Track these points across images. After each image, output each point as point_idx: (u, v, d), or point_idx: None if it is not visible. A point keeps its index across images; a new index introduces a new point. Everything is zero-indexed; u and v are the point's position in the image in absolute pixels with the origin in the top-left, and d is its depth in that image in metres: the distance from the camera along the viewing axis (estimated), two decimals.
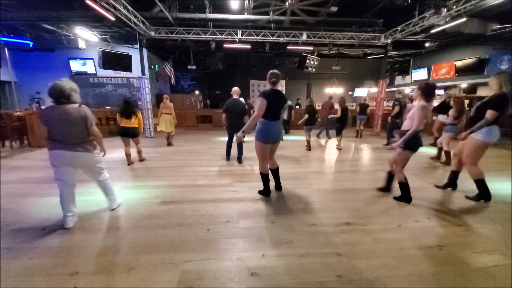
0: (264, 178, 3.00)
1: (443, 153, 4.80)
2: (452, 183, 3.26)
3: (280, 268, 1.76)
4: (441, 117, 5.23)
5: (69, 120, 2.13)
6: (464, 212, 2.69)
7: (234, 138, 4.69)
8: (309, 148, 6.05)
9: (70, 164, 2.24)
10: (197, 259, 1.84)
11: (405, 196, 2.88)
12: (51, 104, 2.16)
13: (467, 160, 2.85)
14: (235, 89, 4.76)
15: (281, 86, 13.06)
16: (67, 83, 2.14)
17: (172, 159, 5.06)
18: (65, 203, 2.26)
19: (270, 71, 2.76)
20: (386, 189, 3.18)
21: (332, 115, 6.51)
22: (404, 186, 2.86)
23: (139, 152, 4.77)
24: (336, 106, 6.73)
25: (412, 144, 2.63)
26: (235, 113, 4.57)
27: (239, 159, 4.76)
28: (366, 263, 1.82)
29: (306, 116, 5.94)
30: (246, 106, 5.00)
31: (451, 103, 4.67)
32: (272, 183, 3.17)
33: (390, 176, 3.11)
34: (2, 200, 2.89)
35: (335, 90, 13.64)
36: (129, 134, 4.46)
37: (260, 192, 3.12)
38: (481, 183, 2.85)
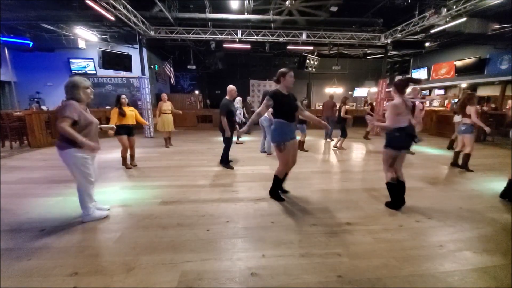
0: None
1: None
2: None
3: (280, 268, 1.75)
4: (457, 118, 4.87)
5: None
6: (465, 212, 2.69)
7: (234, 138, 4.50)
8: (301, 148, 5.79)
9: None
10: (197, 259, 1.84)
11: (394, 201, 2.69)
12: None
13: None
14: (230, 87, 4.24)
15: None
16: (69, 81, 2.21)
17: (172, 159, 5.06)
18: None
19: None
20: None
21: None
22: (392, 188, 2.65)
23: (130, 155, 4.39)
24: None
25: (392, 142, 2.55)
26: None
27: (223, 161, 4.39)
28: (367, 263, 1.81)
29: None
30: (236, 105, 4.35)
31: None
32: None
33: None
34: (2, 200, 2.88)
35: (335, 90, 13.63)
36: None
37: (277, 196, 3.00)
38: None
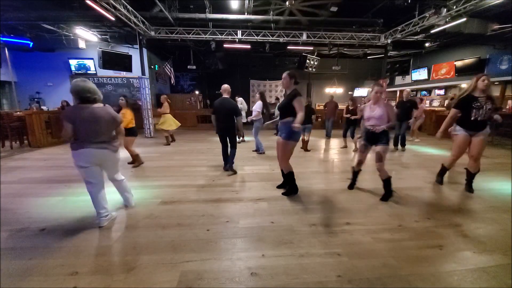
0: (292, 175, 3.10)
1: None
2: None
3: (280, 268, 1.75)
4: None
5: (96, 119, 2.18)
6: (464, 212, 2.69)
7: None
8: (305, 148, 5.78)
9: (96, 163, 2.26)
10: (197, 259, 1.84)
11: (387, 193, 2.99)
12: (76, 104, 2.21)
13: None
14: (225, 86, 4.10)
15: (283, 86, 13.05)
16: (83, 83, 2.16)
17: (172, 159, 5.06)
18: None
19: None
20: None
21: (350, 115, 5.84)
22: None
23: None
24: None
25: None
26: (222, 114, 3.90)
27: (231, 167, 4.08)
28: (366, 263, 1.82)
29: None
30: (240, 106, 4.35)
31: None
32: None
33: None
34: (2, 200, 2.88)
35: (335, 90, 13.64)
36: None
37: (286, 193, 3.14)
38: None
